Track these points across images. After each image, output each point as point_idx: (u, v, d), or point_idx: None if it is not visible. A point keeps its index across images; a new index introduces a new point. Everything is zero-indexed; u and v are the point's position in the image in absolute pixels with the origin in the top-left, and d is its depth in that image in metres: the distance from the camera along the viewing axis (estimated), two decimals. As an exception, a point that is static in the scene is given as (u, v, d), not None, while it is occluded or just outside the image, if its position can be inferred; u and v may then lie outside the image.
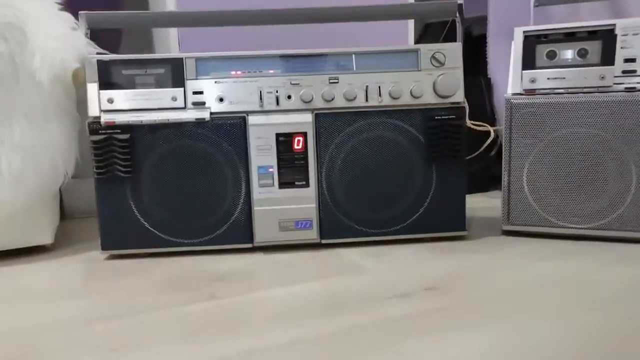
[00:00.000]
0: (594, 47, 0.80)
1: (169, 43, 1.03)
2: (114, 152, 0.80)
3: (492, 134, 1.06)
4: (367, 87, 0.82)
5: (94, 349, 0.53)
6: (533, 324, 0.55)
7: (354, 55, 0.82)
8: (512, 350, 0.49)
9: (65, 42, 0.78)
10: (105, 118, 0.79)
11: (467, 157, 0.88)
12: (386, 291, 0.65)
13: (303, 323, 0.57)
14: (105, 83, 0.79)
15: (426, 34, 1.57)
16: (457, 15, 0.87)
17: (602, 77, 0.79)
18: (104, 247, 0.82)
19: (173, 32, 1.02)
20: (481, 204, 1.14)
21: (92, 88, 0.79)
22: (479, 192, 1.24)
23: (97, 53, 0.82)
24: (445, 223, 0.85)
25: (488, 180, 1.23)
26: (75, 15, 0.82)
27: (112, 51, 0.85)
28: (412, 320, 0.57)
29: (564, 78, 0.81)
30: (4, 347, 0.54)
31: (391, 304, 0.61)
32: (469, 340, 0.52)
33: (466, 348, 0.50)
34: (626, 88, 0.78)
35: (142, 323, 0.59)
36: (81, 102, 0.86)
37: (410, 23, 1.22)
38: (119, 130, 0.79)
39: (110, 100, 0.79)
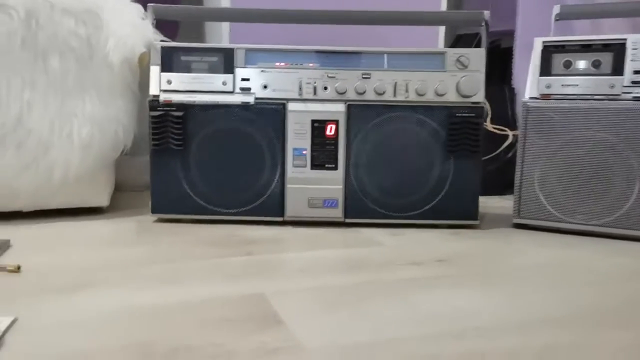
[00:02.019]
0: (607, 59, 0.88)
1: (220, 34, 1.14)
2: (169, 127, 0.91)
3: (511, 138, 1.13)
4: (395, 83, 0.91)
5: (149, 281, 0.63)
6: (526, 290, 0.63)
7: (386, 55, 0.92)
8: (505, 305, 0.58)
9: (135, 29, 0.89)
10: (163, 97, 0.90)
11: (486, 157, 0.96)
12: (401, 260, 0.74)
13: (326, 276, 0.67)
14: (166, 66, 0.90)
15: (457, 45, 1.65)
16: (484, 24, 0.96)
17: (612, 86, 0.87)
18: (154, 211, 0.93)
19: (225, 25, 1.13)
20: (495, 204, 1.21)
21: (155, 70, 0.90)
22: (495, 194, 1.31)
23: (161, 40, 0.93)
24: (459, 212, 0.93)
25: (504, 183, 1.30)
26: (144, 7, 0.94)
27: (171, 40, 0.96)
28: (421, 281, 0.66)
29: (577, 85, 0.89)
30: (75, 275, 0.65)
31: (404, 269, 0.70)
32: (469, 296, 0.60)
33: (465, 301, 0.59)
34: (634, 97, 0.86)
35: (190, 267, 0.69)
36: (142, 83, 0.98)
37: (441, 30, 1.31)
38: (174, 108, 0.90)
39: (169, 82, 0.91)
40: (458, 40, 1.67)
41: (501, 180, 1.31)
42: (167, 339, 0.48)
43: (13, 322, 0.50)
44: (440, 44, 1.33)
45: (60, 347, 0.46)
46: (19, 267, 0.65)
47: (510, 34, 1.45)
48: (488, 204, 1.21)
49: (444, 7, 1.30)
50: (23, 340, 0.47)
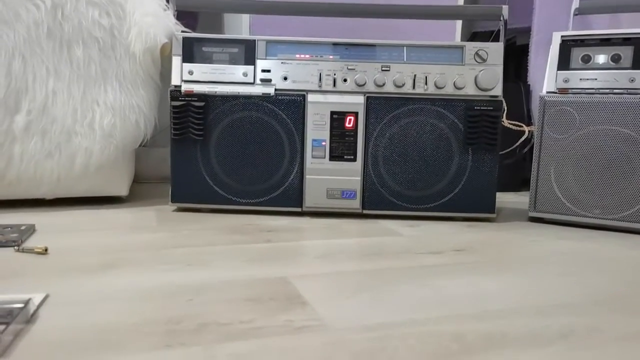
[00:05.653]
0: (627, 53, 0.88)
1: (240, 26, 1.16)
2: (190, 117, 0.92)
3: (527, 133, 1.14)
4: (415, 76, 0.92)
5: (173, 263, 0.64)
6: (545, 276, 0.63)
7: (405, 48, 0.92)
8: (525, 290, 0.58)
9: (158, 20, 0.91)
10: (185, 87, 0.92)
11: (502, 152, 0.96)
12: (419, 249, 0.75)
13: (344, 262, 0.67)
14: (188, 57, 0.92)
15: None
16: (502, 18, 0.96)
17: (632, 80, 0.87)
18: (173, 200, 0.94)
19: (245, 16, 1.14)
20: (511, 199, 1.21)
21: (176, 60, 0.92)
22: (510, 190, 1.31)
23: (182, 31, 0.95)
24: (476, 204, 0.94)
25: (519, 180, 1.31)
26: (167, -2, 0.95)
27: (191, 31, 0.97)
28: (440, 267, 0.66)
29: (596, 79, 0.89)
30: (101, 256, 0.66)
31: (423, 257, 0.71)
32: (489, 281, 0.61)
33: (485, 285, 0.59)
34: (654, 91, 0.86)
35: (211, 251, 0.70)
36: (163, 74, 0.99)
37: (458, 27, 1.32)
38: (195, 99, 0.92)
39: (191, 72, 0.92)
40: (473, 37, 1.67)
41: (517, 176, 1.32)
42: (195, 315, 0.49)
43: (45, 298, 0.51)
44: (458, 38, 1.33)
45: (91, 320, 0.47)
46: (46, 249, 0.67)
47: (525, 31, 1.45)
48: (504, 199, 1.22)
49: (460, 3, 1.31)
50: (56, 314, 0.48)
